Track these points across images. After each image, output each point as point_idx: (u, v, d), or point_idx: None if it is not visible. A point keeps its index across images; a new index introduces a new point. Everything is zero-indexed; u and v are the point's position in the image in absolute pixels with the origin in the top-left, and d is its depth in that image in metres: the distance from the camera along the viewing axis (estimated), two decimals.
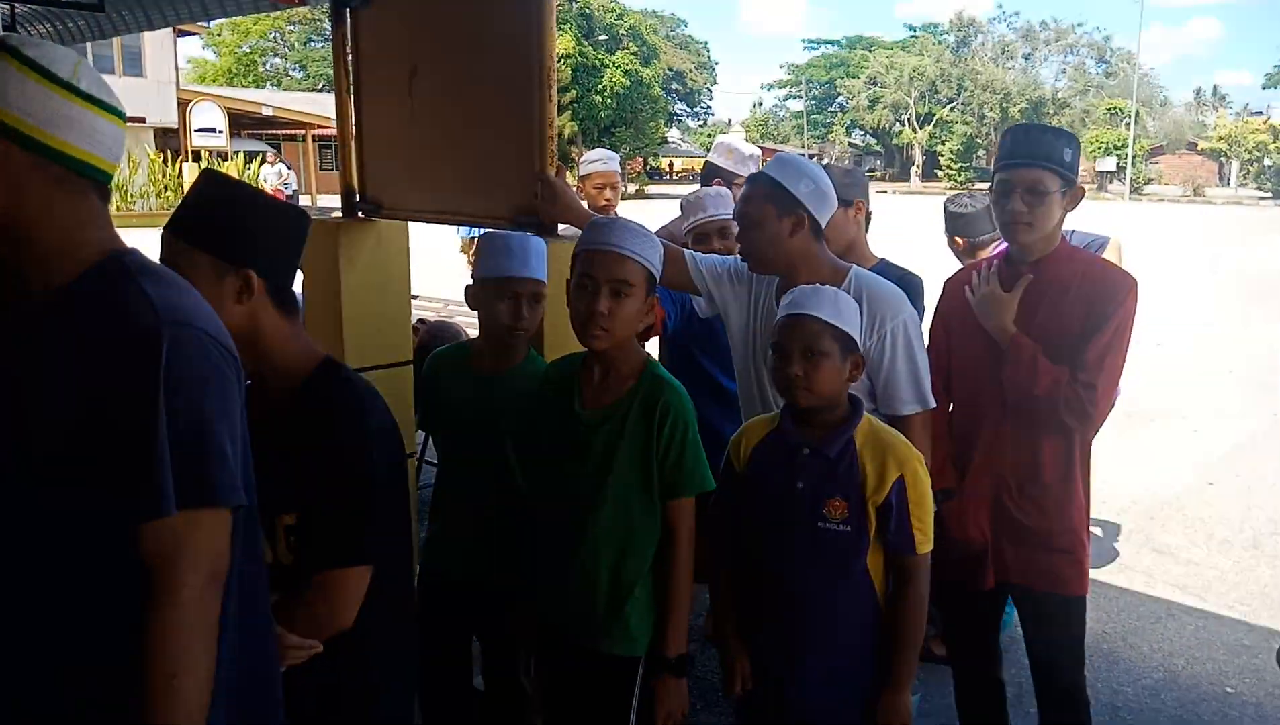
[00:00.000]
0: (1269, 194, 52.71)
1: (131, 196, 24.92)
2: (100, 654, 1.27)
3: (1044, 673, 2.54)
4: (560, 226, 2.67)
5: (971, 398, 2.52)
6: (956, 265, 3.07)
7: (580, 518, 2.12)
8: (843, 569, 2.06)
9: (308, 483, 1.67)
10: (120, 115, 1.37)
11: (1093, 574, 4.47)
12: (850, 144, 73.22)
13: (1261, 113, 66.96)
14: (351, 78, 3.32)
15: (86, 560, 1.26)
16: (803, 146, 69.14)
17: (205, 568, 1.27)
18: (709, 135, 62.40)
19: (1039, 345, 2.36)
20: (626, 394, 2.11)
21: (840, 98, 72.37)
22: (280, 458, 1.67)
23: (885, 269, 2.83)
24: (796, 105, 77.30)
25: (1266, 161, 55.04)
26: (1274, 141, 54.54)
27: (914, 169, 63.52)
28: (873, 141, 72.29)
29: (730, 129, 63.77)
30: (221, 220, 1.66)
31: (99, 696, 1.28)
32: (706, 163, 4.06)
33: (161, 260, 1.63)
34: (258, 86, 45.86)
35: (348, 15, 3.28)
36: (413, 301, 6.00)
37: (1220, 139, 57.47)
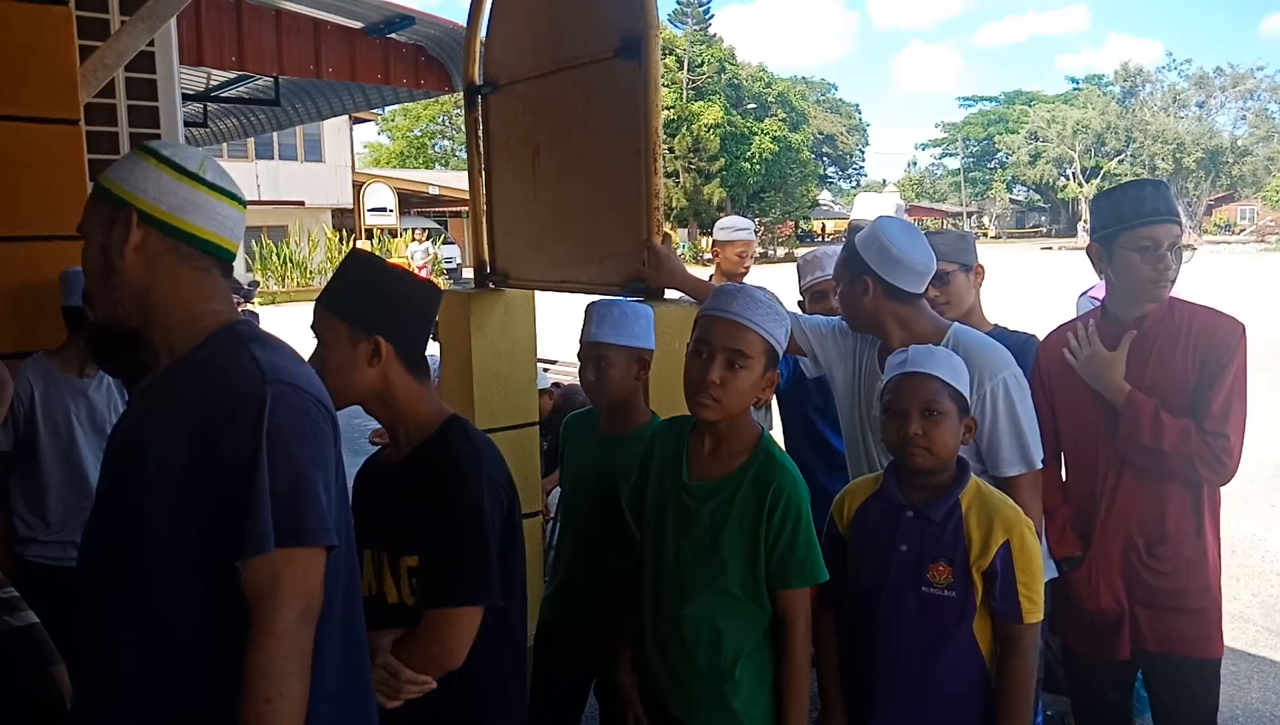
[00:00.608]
0: None
1: (310, 272, 26.82)
2: (205, 679, 1.41)
3: None
4: (668, 292, 2.78)
5: (1085, 461, 2.45)
6: None
7: (683, 588, 2.08)
8: (947, 636, 1.99)
9: (428, 528, 1.81)
10: (240, 201, 1.56)
11: (1260, 650, 4.17)
12: (1011, 200, 71.16)
13: None
14: (483, 159, 3.56)
15: (195, 595, 1.41)
16: (961, 204, 67.65)
17: (299, 602, 1.39)
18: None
19: (1156, 400, 2.29)
20: (737, 470, 2.04)
21: (999, 154, 70.62)
22: (406, 504, 1.84)
23: (1000, 336, 2.77)
24: (953, 163, 75.86)
25: None
26: None
27: (1080, 224, 60.98)
28: (1035, 197, 70.00)
29: (884, 189, 63.26)
30: (357, 294, 1.85)
31: (203, 717, 1.41)
32: (851, 222, 4.10)
33: (312, 327, 1.85)
34: (427, 167, 48.66)
35: (479, 101, 3.53)
36: (552, 366, 6.26)
37: None
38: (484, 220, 3.56)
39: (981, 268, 3.03)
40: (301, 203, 27.26)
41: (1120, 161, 59.17)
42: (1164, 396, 2.30)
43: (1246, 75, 61.06)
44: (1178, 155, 56.45)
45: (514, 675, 1.97)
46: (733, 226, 4.81)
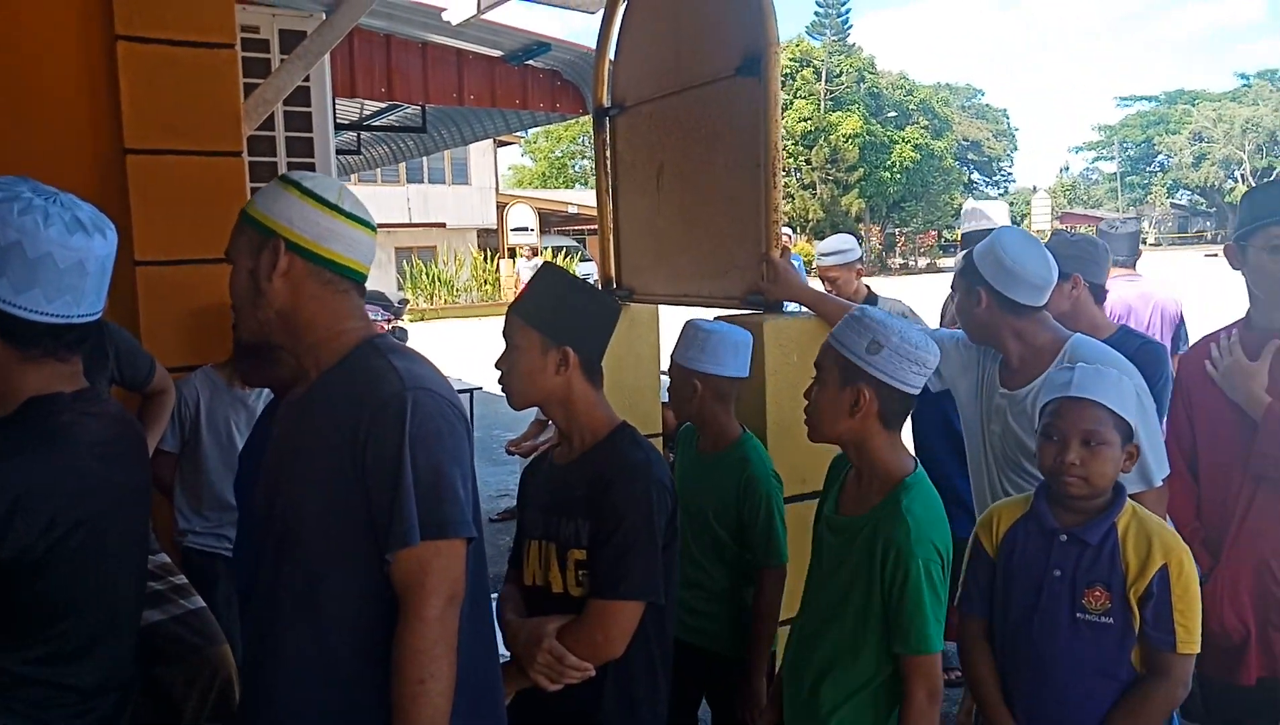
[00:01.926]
0: None
1: (456, 290, 27.82)
2: (359, 663, 1.54)
3: None
4: (786, 304, 2.82)
5: (1221, 476, 2.35)
6: None
7: (807, 623, 2.10)
8: (1105, 665, 1.92)
9: (600, 525, 1.92)
10: (372, 228, 1.68)
11: None
12: (1173, 204, 67.29)
13: None
14: (610, 178, 3.67)
15: (351, 586, 1.54)
16: (1117, 210, 64.42)
17: (445, 590, 1.51)
18: (1010, 202, 59.69)
19: None
20: (869, 512, 1.96)
21: (1160, 156, 66.96)
22: (577, 501, 1.96)
23: (1124, 337, 2.70)
24: (1109, 167, 72.34)
25: None
26: None
27: None
28: (1200, 201, 65.98)
29: (1034, 196, 60.94)
30: (550, 305, 1.98)
31: (356, 701, 1.54)
32: (961, 234, 4.05)
33: (504, 332, 1.99)
34: (568, 187, 49.68)
35: (607, 122, 3.65)
36: None
37: None
38: (610, 237, 3.68)
39: (1079, 278, 2.88)
40: (443, 225, 28.18)
41: None
42: None
43: None
44: None
45: (663, 669, 2.04)
46: (820, 251, 4.60)
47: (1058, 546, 1.97)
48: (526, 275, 21.21)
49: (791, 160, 40.96)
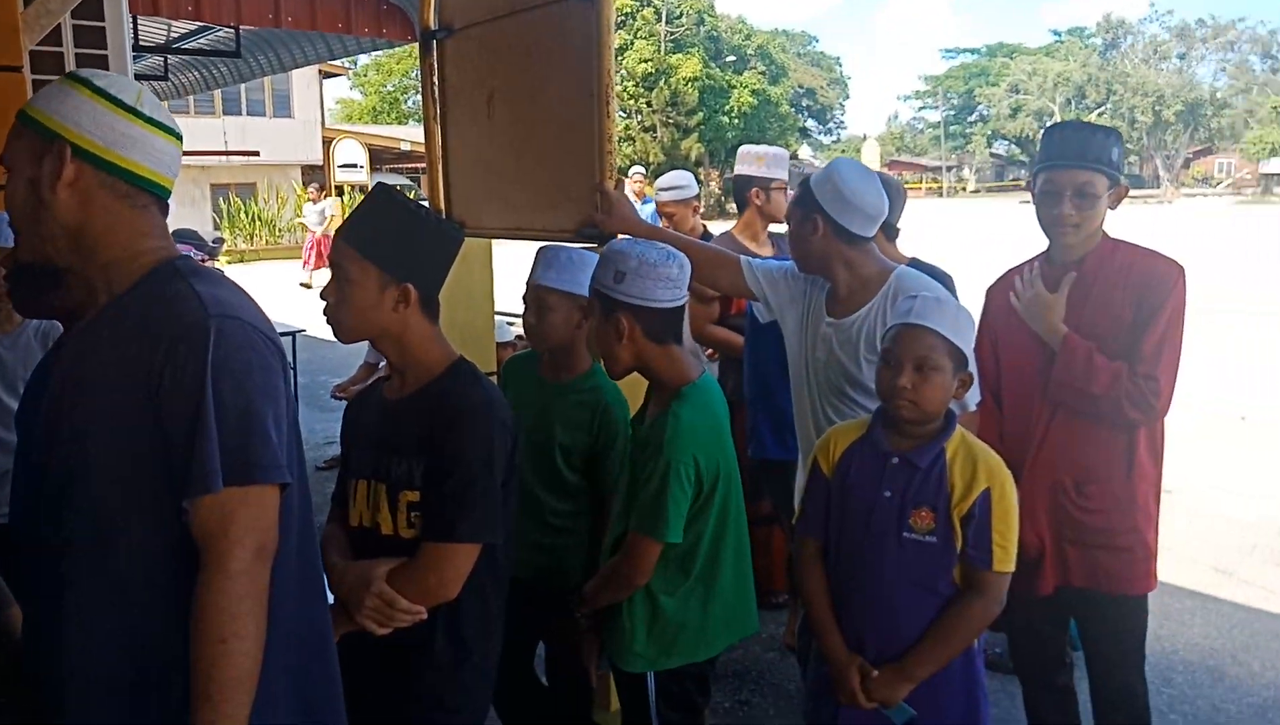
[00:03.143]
0: None
1: (279, 230, 26.49)
2: (163, 626, 1.38)
3: (1101, 672, 2.47)
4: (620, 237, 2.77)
5: (1022, 403, 2.47)
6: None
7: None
8: (928, 582, 2.01)
9: (437, 465, 1.83)
10: (177, 136, 1.51)
11: (1206, 589, 4.28)
12: (992, 154, 71.03)
13: None
14: (439, 106, 3.51)
15: (148, 539, 1.38)
16: (941, 158, 67.55)
17: (252, 542, 1.36)
18: (842, 150, 61.68)
19: (1093, 343, 2.31)
20: (655, 420, 2.16)
21: (980, 107, 70.33)
22: (411, 441, 1.87)
23: (915, 266, 2.81)
24: (934, 116, 75.48)
25: None
26: None
27: None
28: (1016, 151, 69.92)
29: (864, 143, 62.94)
30: (390, 238, 1.84)
31: (158, 665, 1.39)
32: (736, 177, 4.04)
33: (331, 261, 1.84)
34: (400, 123, 47.81)
35: (434, 46, 3.48)
36: (517, 321, 6.24)
37: None
38: (440, 168, 3.53)
39: None
40: (258, 153, 26.36)
41: (1100, 114, 59.07)
42: (1101, 339, 2.31)
43: (1228, 26, 60.96)
44: (1157, 108, 56.44)
45: (496, 608, 2.00)
46: (659, 186, 4.71)
47: (889, 469, 2.04)
48: (313, 220, 20.07)
49: (632, 101, 40.80)
